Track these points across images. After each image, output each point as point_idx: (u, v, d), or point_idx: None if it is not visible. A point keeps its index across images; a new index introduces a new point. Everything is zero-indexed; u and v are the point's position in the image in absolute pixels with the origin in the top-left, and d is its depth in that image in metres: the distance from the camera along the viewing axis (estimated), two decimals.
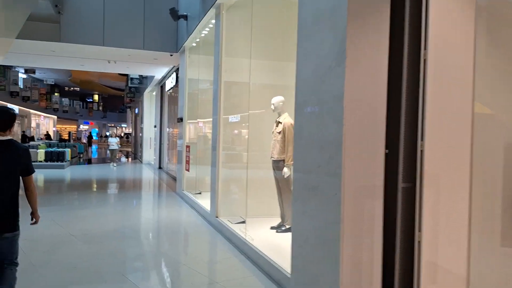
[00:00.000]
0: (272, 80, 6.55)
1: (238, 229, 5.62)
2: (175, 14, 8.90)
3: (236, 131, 7.28)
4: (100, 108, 54.11)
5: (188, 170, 9.25)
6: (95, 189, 11.73)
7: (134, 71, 15.24)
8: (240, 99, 6.84)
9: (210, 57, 7.20)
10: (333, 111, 2.70)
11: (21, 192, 3.11)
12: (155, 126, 18.03)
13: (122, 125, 56.36)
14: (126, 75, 30.66)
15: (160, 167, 17.46)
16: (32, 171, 3.07)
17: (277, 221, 5.80)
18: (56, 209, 7.81)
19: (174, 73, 12.89)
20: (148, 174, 16.28)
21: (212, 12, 7.07)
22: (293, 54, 3.36)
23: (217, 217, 6.48)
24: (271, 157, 5.62)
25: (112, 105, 55.45)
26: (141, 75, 18.89)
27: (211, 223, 6.67)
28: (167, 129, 16.95)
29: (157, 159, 17.59)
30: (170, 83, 13.91)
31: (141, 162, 21.37)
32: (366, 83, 2.64)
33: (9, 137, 2.97)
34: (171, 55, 10.48)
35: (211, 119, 7.06)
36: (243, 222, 5.88)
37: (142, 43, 10.09)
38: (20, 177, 3.02)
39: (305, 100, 3.14)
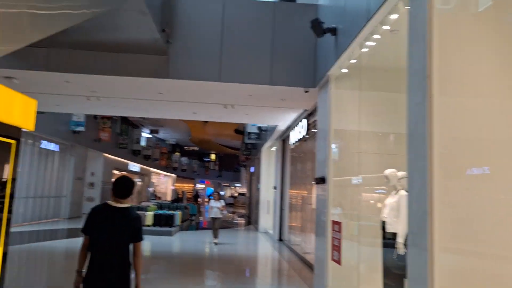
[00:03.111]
0: None
1: None
2: (319, 27, 6.08)
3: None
4: (216, 167, 54.83)
5: (338, 262, 5.83)
6: (190, 273, 8.93)
7: (254, 120, 12.75)
8: None
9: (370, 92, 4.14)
10: None
11: None
12: (274, 188, 15.19)
13: (236, 185, 55.85)
14: (243, 132, 29.50)
15: (280, 239, 14.28)
16: (141, 239, 3.23)
17: None
18: None
19: (304, 120, 9.99)
20: (265, 250, 13.16)
21: (389, 5, 4.10)
22: None
23: None
24: None
25: (228, 164, 55.96)
26: (260, 128, 16.59)
27: None
28: (289, 191, 13.94)
29: (277, 229, 14.48)
30: (297, 133, 11.03)
31: (256, 229, 18.53)
32: None
33: (127, 205, 3.22)
34: (306, 92, 7.61)
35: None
36: None
37: (269, 76, 7.45)
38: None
39: None
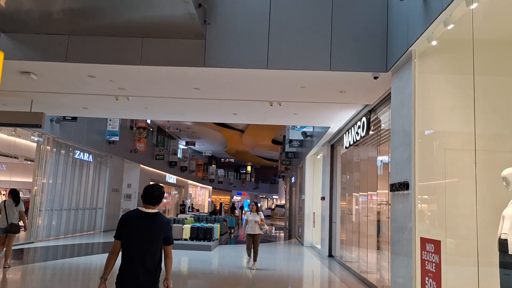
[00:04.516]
0: None
1: None
2: None
3: None
4: (253, 179, 54.03)
5: None
6: None
7: (303, 121, 11.21)
8: None
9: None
10: None
11: None
12: (322, 198, 13.66)
13: (274, 196, 54.46)
14: (281, 143, 28.19)
15: (330, 255, 12.69)
16: (171, 242, 3.39)
17: None
18: None
19: (364, 119, 8.51)
20: (313, 268, 11.62)
21: None
22: None
23: None
24: None
25: (264, 176, 55.20)
26: (305, 134, 15.14)
27: None
28: (341, 202, 12.38)
29: (326, 243, 12.91)
30: (353, 135, 9.54)
31: (300, 243, 16.97)
32: None
33: (156, 211, 3.37)
34: (375, 78, 6.17)
35: None
36: None
37: (328, 59, 6.07)
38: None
39: None
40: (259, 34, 6.10)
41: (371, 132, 8.52)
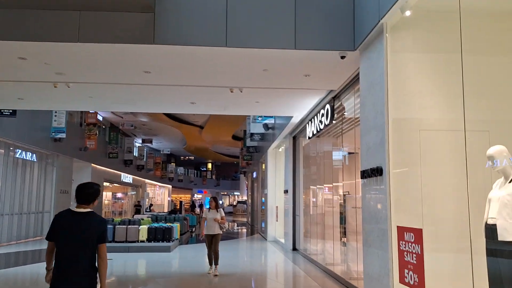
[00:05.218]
0: None
1: None
2: None
3: None
4: (214, 176, 53.30)
5: (416, 287, 3.88)
6: None
7: (265, 110, 10.55)
8: None
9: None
10: None
11: None
12: (285, 191, 13.24)
13: (235, 193, 53.94)
14: (241, 138, 27.57)
15: (294, 248, 12.30)
16: (105, 241, 3.26)
17: None
18: None
19: (328, 106, 8.10)
20: (277, 263, 11.18)
21: None
22: None
23: None
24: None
25: (225, 172, 54.62)
26: (267, 126, 14.64)
27: None
28: (303, 195, 12.02)
29: (290, 237, 12.51)
30: (316, 124, 9.13)
31: (264, 238, 16.52)
32: None
33: (89, 210, 3.26)
34: (342, 57, 5.72)
35: None
36: None
37: (293, 37, 5.54)
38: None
39: None
40: (217, 7, 5.45)
41: (334, 122, 8.15)
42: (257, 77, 6.80)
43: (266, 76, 6.70)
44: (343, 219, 8.33)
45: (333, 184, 8.89)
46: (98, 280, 3.22)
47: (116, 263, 9.82)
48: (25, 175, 15.13)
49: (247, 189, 31.94)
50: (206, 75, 6.75)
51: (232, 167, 51.53)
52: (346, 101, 7.75)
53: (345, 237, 8.31)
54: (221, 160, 51.44)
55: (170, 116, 25.58)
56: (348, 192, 8.21)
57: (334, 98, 7.95)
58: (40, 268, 9.42)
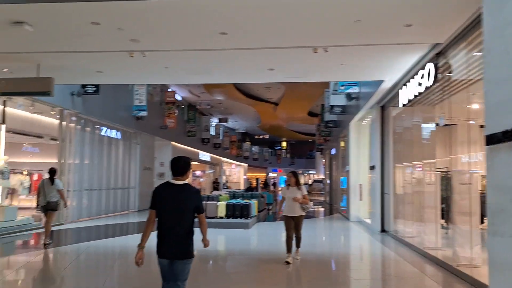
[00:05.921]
0: None
1: None
2: None
3: None
4: (288, 155, 52.86)
5: None
6: (278, 280, 6.34)
7: (351, 75, 9.12)
8: None
9: None
10: None
11: None
12: (372, 167, 12.14)
13: (310, 172, 53.02)
14: (319, 114, 26.33)
15: (383, 230, 11.26)
16: (202, 211, 3.68)
17: None
18: None
19: (430, 64, 6.87)
20: (366, 246, 10.23)
21: None
22: None
23: None
24: None
25: (300, 151, 53.94)
26: (350, 96, 13.51)
27: None
28: (395, 171, 10.84)
29: (378, 217, 11.47)
30: (413, 87, 7.92)
31: (346, 218, 15.58)
32: None
33: (185, 182, 3.60)
34: None
35: None
36: None
37: None
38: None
39: None
40: None
41: (436, 84, 6.91)
42: (346, 32, 5.85)
43: (357, 29, 5.72)
44: (447, 199, 7.19)
45: (431, 160, 7.72)
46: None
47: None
48: (110, 152, 15.77)
49: (324, 167, 30.90)
50: (287, 32, 5.96)
51: (307, 145, 50.60)
52: (453, 57, 6.50)
53: (449, 218, 7.17)
54: (295, 138, 50.71)
55: (244, 93, 25.32)
56: (447, 168, 7.04)
57: (437, 54, 6.72)
58: (128, 240, 9.72)
